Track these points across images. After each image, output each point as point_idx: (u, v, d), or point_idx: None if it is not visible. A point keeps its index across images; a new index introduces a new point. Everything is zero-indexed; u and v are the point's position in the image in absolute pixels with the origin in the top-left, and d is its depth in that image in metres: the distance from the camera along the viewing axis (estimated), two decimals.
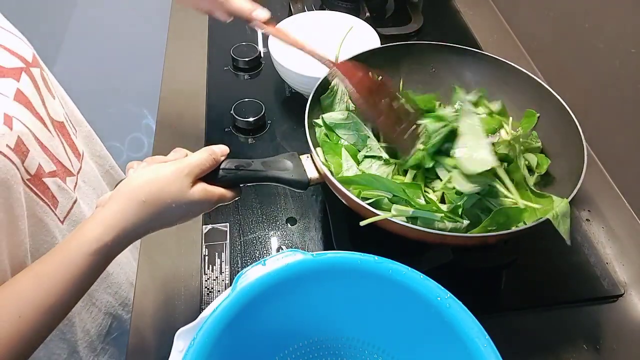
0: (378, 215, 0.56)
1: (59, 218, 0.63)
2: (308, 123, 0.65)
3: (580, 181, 0.59)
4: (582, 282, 0.69)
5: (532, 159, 0.67)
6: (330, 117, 0.68)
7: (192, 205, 0.53)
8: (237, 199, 0.58)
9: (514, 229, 0.57)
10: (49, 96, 0.63)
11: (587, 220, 0.77)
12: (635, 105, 0.76)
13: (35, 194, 0.58)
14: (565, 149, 0.67)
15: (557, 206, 0.55)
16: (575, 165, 0.61)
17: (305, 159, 0.61)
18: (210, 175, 0.55)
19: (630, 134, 0.78)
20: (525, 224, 0.56)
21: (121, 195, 0.50)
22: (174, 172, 0.52)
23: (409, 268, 0.44)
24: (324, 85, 0.71)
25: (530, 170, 0.67)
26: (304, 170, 0.60)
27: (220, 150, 0.57)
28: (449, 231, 0.57)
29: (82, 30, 1.63)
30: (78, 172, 0.68)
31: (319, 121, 0.68)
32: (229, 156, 0.58)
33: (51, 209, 0.61)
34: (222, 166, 0.56)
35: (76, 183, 0.67)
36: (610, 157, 0.83)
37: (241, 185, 0.59)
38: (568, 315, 0.66)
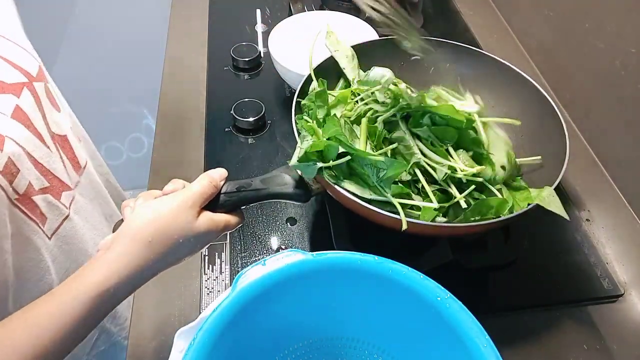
0: (379, 213, 0.56)
1: (46, 234, 0.61)
2: (298, 132, 0.64)
3: (564, 167, 0.60)
4: (582, 282, 0.69)
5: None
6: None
7: (200, 238, 0.51)
8: (241, 226, 0.56)
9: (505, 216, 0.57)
10: (52, 110, 0.62)
11: (587, 220, 0.77)
12: (635, 105, 0.76)
13: (23, 212, 0.56)
14: (549, 137, 0.67)
15: (543, 192, 0.58)
16: (560, 152, 0.62)
17: None
18: (212, 203, 0.53)
19: (630, 134, 0.78)
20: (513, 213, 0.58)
21: (125, 237, 0.47)
22: (177, 204, 0.49)
23: (409, 268, 0.44)
24: (303, 92, 0.70)
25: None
26: (304, 182, 0.59)
27: (219, 174, 0.54)
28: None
29: (82, 30, 1.62)
30: (76, 186, 0.67)
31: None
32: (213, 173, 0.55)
33: (39, 226, 0.60)
34: (222, 191, 0.54)
35: (74, 197, 0.66)
36: (610, 157, 0.83)
37: (242, 208, 0.57)
38: (568, 315, 0.66)
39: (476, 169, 0.61)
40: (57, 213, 0.63)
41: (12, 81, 0.55)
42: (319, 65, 0.72)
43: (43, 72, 0.62)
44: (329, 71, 0.74)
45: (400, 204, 0.58)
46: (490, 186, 0.62)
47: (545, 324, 0.65)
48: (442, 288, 0.43)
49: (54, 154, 0.61)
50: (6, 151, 0.52)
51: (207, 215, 0.51)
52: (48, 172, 0.60)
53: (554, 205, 0.57)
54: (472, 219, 0.57)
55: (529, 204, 0.57)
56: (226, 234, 0.72)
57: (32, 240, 0.59)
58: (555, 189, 0.58)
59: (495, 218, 0.58)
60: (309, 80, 0.71)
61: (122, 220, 0.52)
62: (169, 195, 0.51)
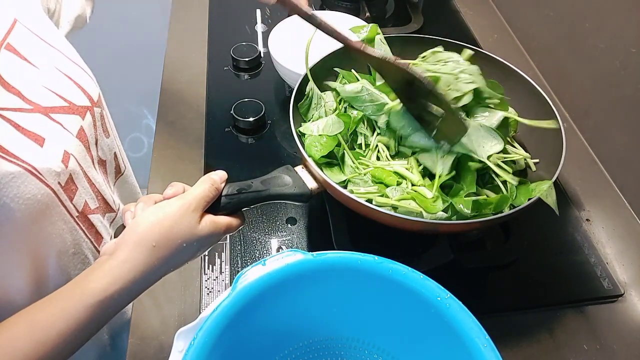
0: (380, 211, 0.56)
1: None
2: (297, 132, 0.65)
3: (562, 159, 0.61)
4: (582, 282, 0.69)
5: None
6: (344, 90, 0.68)
7: (202, 241, 0.51)
8: (241, 227, 0.56)
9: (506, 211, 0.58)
10: (103, 136, 0.64)
11: (587, 220, 0.77)
12: (635, 105, 0.76)
13: (82, 230, 0.57)
14: (547, 136, 0.67)
15: (543, 186, 0.59)
16: (557, 146, 0.63)
17: (300, 170, 0.61)
18: (213, 205, 0.53)
19: (630, 134, 0.78)
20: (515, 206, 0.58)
21: (129, 243, 0.47)
22: (180, 208, 0.49)
23: (409, 268, 0.44)
24: (300, 93, 0.70)
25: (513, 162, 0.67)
26: (304, 182, 0.59)
27: (219, 177, 0.54)
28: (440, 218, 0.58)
29: (82, 30, 1.63)
30: (118, 209, 0.68)
31: (303, 130, 0.68)
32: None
33: (94, 245, 0.61)
34: (223, 193, 0.54)
35: (113, 220, 0.67)
36: (610, 157, 0.83)
37: (243, 209, 0.57)
38: (568, 315, 0.66)
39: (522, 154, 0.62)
40: (110, 234, 0.64)
41: (80, 103, 0.57)
42: (315, 65, 0.72)
43: (101, 98, 0.64)
44: (325, 71, 0.74)
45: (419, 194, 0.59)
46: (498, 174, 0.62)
47: (545, 324, 0.65)
48: (442, 288, 0.43)
49: (100, 176, 0.62)
50: (69, 168, 0.53)
51: (209, 219, 0.52)
52: (98, 192, 0.61)
53: (551, 198, 0.58)
54: (473, 214, 0.58)
55: (529, 199, 0.58)
56: None
57: (89, 259, 0.60)
58: (555, 189, 0.59)
59: (494, 214, 0.58)
60: (305, 81, 0.71)
61: (123, 226, 0.52)
62: (171, 200, 0.51)
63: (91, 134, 0.59)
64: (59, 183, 0.51)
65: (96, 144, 0.62)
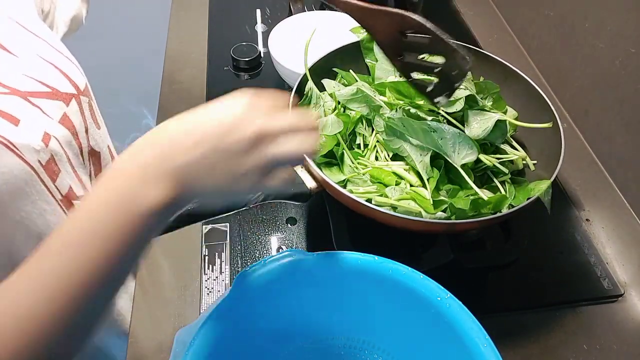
0: (381, 211, 0.55)
1: None
2: None
3: (561, 158, 0.61)
4: (582, 282, 0.69)
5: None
6: (340, 94, 0.69)
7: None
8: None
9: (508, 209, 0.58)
10: (94, 126, 0.63)
11: (587, 220, 0.77)
12: (635, 105, 0.76)
13: (66, 214, 0.57)
14: (546, 136, 0.67)
15: (541, 186, 0.59)
16: (555, 146, 0.63)
17: (299, 169, 0.61)
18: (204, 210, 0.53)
19: (630, 134, 0.78)
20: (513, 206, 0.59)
21: (151, 141, 0.41)
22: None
23: (409, 268, 0.44)
24: (299, 92, 0.71)
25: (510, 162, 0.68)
26: (303, 182, 0.59)
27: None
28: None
29: (81, 30, 1.63)
30: None
31: None
32: None
33: None
34: None
35: None
36: (610, 157, 0.83)
37: (242, 209, 0.57)
38: (568, 315, 0.66)
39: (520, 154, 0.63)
40: None
41: (64, 90, 0.57)
42: (314, 65, 0.72)
43: (89, 88, 0.63)
44: (324, 70, 0.74)
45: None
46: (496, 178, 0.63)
47: (545, 324, 0.65)
48: (442, 288, 0.43)
49: (86, 168, 0.62)
50: (50, 148, 0.52)
51: None
52: (82, 183, 0.60)
53: (547, 198, 0.58)
54: (471, 214, 0.58)
55: (528, 198, 0.58)
56: (226, 234, 0.72)
57: None
58: (554, 189, 0.59)
59: (492, 214, 0.58)
60: (304, 81, 0.71)
61: None
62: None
63: (79, 122, 0.58)
64: (39, 161, 0.50)
65: (86, 132, 0.61)
